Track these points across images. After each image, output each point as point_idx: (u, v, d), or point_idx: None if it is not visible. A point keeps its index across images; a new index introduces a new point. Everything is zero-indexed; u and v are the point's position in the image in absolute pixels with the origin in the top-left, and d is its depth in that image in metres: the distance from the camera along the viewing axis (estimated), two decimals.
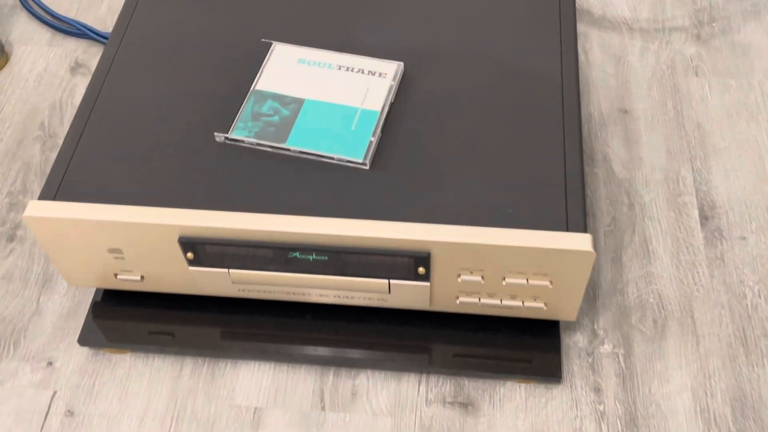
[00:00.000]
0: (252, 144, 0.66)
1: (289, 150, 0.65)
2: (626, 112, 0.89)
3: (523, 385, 0.70)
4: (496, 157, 0.65)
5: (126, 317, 0.73)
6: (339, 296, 0.68)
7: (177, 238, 0.63)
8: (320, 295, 0.68)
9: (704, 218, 0.80)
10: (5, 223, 0.82)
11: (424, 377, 0.71)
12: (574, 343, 0.72)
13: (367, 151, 0.65)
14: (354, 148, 0.65)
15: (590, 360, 0.71)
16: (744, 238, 0.79)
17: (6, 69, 0.96)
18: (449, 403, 0.69)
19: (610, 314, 0.74)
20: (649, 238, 0.79)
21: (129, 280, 0.69)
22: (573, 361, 0.71)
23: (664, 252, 0.78)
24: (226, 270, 0.66)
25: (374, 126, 0.66)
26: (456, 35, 0.73)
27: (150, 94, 0.70)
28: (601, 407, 0.69)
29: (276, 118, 0.67)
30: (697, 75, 0.92)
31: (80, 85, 0.94)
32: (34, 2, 1.02)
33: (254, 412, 0.70)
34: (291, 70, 0.70)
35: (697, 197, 0.82)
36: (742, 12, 0.99)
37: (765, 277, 0.76)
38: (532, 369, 0.69)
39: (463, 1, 0.76)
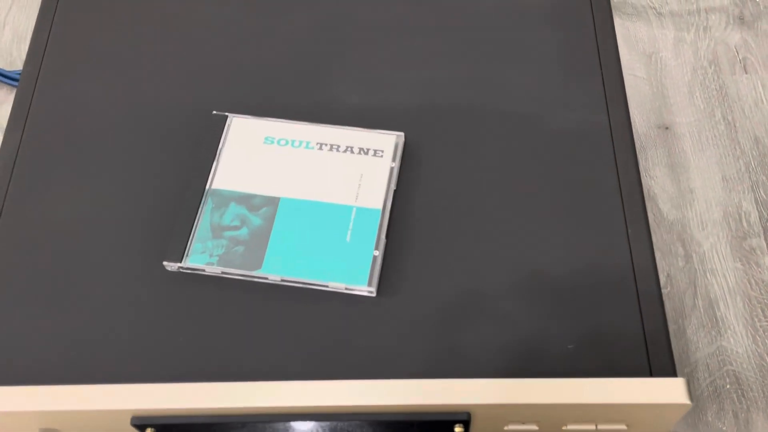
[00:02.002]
0: (215, 273, 0.49)
1: (266, 278, 0.49)
2: (667, 128, 0.72)
3: None
4: (542, 269, 0.49)
5: None
6: None
7: (129, 420, 0.47)
8: None
9: None
10: None
11: None
12: None
13: (372, 272, 0.48)
14: (353, 270, 0.48)
15: None
16: None
17: None
18: None
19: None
20: (715, 300, 0.64)
21: None
22: None
23: (735, 319, 0.63)
24: None
25: (376, 232, 0.50)
26: (465, 87, 0.56)
27: (67, 205, 0.52)
28: None
29: (244, 230, 0.50)
30: (746, 71, 0.76)
31: None
32: None
33: None
34: (256, 155, 0.53)
35: (766, 238, 0.67)
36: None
37: None
38: None
39: (469, 38, 0.58)
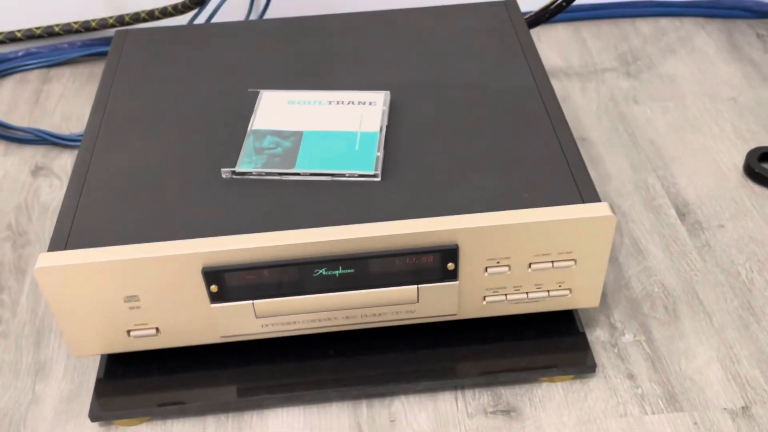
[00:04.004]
0: (260, 175, 0.66)
1: (298, 174, 0.66)
2: (584, 139, 0.94)
3: (559, 384, 0.69)
4: (496, 154, 0.67)
5: (138, 384, 0.69)
6: (366, 316, 0.66)
7: (200, 269, 0.61)
8: (346, 318, 0.66)
9: (681, 215, 0.84)
10: None
11: (459, 393, 0.69)
12: (596, 338, 0.73)
13: (377, 164, 0.66)
14: (363, 162, 0.66)
15: (616, 350, 0.72)
16: (722, 226, 0.83)
17: None
18: (491, 412, 0.68)
19: (622, 308, 0.75)
20: (638, 238, 0.82)
21: (144, 335, 0.65)
22: (600, 355, 0.71)
23: (654, 247, 0.81)
24: (250, 302, 0.64)
25: (377, 143, 0.68)
26: (430, 69, 0.78)
27: (144, 146, 0.70)
28: (639, 391, 0.69)
29: (279, 149, 0.68)
30: (637, 103, 1.00)
31: (44, 186, 0.92)
32: None
33: None
34: (283, 111, 0.72)
35: (669, 199, 0.86)
36: (660, 51, 1.09)
37: (752, 255, 0.80)
38: (566, 364, 0.69)
39: (428, 41, 0.81)
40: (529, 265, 0.64)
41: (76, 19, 1.12)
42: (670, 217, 0.84)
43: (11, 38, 1.11)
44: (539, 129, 0.70)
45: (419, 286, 0.64)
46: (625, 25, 1.14)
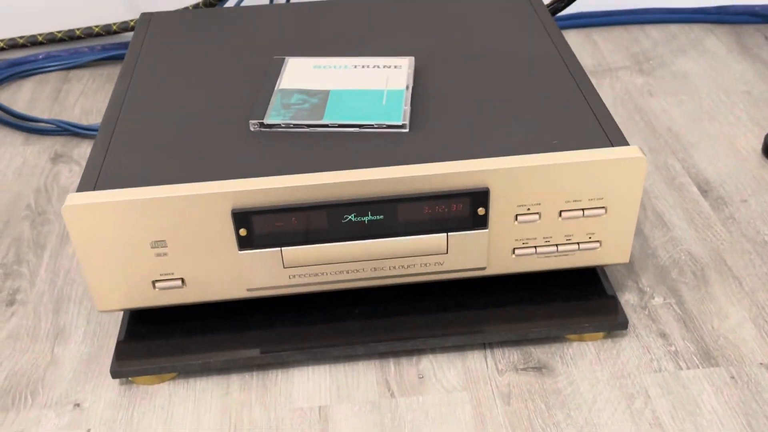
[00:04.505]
0: (288, 127, 0.66)
1: (326, 126, 0.66)
2: None
3: (590, 343, 0.68)
4: (523, 108, 0.68)
5: (160, 344, 0.67)
6: (394, 268, 0.65)
7: (229, 210, 0.61)
8: (374, 270, 0.65)
9: (703, 191, 0.84)
10: (2, 291, 0.76)
11: (488, 352, 0.68)
12: (625, 301, 0.72)
13: (404, 116, 0.66)
14: (390, 115, 0.66)
15: (646, 312, 0.71)
16: (745, 201, 0.83)
17: None
18: (522, 369, 0.66)
19: (650, 274, 0.74)
20: (662, 212, 0.82)
21: (169, 287, 0.64)
22: (630, 317, 0.70)
23: (679, 220, 0.81)
24: (278, 249, 0.63)
25: (404, 98, 0.68)
26: (454, 41, 0.79)
27: (171, 104, 0.70)
28: (672, 348, 0.67)
29: (306, 105, 0.68)
30: (652, 96, 1.01)
31: (64, 171, 0.92)
32: (1, 108, 1.01)
33: (319, 411, 0.63)
34: (309, 74, 0.73)
35: (690, 178, 0.86)
36: (671, 51, 1.11)
37: None
38: (598, 320, 0.68)
39: (450, 18, 0.83)
40: (560, 214, 0.64)
41: (96, 23, 1.14)
42: (692, 194, 0.84)
43: (32, 42, 1.13)
44: (563, 86, 0.70)
45: (449, 234, 0.64)
46: (636, 31, 1.16)
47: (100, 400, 0.65)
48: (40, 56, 1.12)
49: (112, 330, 0.71)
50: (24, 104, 1.05)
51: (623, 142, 0.63)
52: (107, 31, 1.12)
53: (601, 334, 0.69)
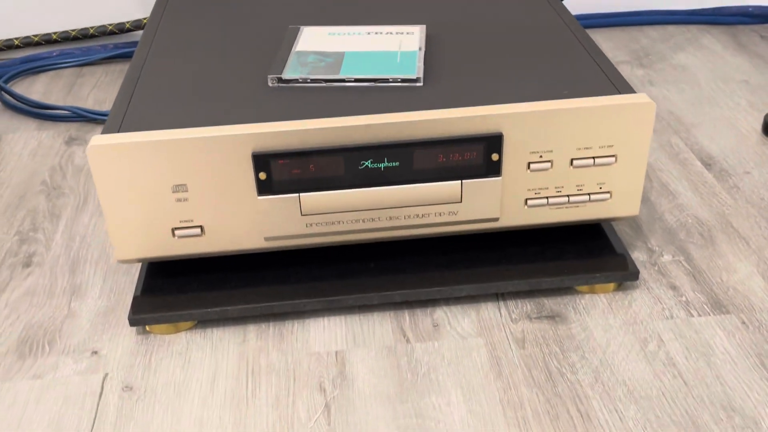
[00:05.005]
0: (305, 81, 0.68)
1: (343, 81, 0.68)
2: None
3: (602, 295, 0.69)
4: (532, 67, 0.70)
5: (177, 294, 0.68)
6: (409, 217, 0.66)
7: (250, 153, 0.62)
8: (390, 219, 0.66)
9: (707, 165, 0.86)
10: (18, 254, 0.76)
11: (501, 303, 0.68)
12: (635, 259, 0.73)
13: (418, 70, 0.68)
14: (405, 69, 0.68)
15: (656, 268, 0.72)
16: (748, 173, 0.85)
17: None
18: (535, 318, 0.67)
19: (658, 235, 0.76)
20: (667, 182, 0.83)
21: (188, 235, 0.65)
22: (641, 272, 0.71)
23: (684, 189, 0.82)
24: (296, 195, 0.64)
25: (417, 58, 0.71)
26: (462, 13, 0.81)
27: (191, 62, 0.72)
28: (683, 299, 0.68)
29: (323, 63, 0.70)
30: (653, 85, 1.03)
31: (78, 152, 0.93)
32: (15, 97, 1.03)
33: (336, 355, 0.64)
34: (324, 39, 0.75)
35: (693, 154, 0.88)
36: (669, 48, 1.14)
37: None
38: (610, 271, 0.69)
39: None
40: (571, 162, 0.66)
41: (109, 21, 1.17)
42: (696, 167, 0.86)
43: (47, 40, 1.16)
44: (570, 47, 0.73)
45: (463, 181, 0.65)
46: (634, 31, 1.20)
47: (117, 348, 0.65)
48: (54, 53, 1.15)
49: (128, 288, 0.72)
50: (38, 96, 1.07)
51: (631, 91, 0.65)
52: (120, 29, 1.14)
53: (612, 285, 0.70)
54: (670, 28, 1.20)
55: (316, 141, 0.62)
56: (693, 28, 1.20)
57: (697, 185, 0.83)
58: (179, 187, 0.63)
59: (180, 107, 0.66)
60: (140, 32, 1.16)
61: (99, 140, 0.61)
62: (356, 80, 0.68)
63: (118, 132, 0.62)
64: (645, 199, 0.81)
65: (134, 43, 1.16)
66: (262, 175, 0.63)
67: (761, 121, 0.94)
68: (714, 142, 0.90)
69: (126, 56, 1.16)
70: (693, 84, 1.03)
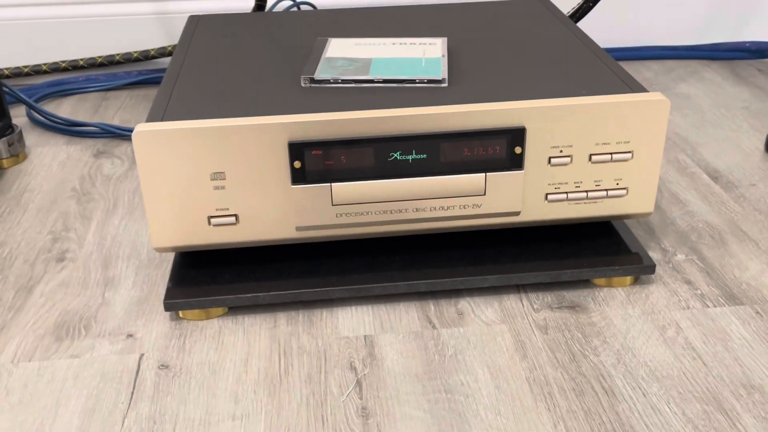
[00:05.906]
0: (337, 82, 0.72)
1: (372, 81, 0.72)
2: None
3: (619, 288, 0.71)
4: (551, 72, 0.74)
5: (210, 283, 0.70)
6: (435, 209, 0.69)
7: (286, 142, 0.65)
8: (416, 211, 0.69)
9: (714, 178, 0.90)
10: (51, 251, 0.79)
11: (522, 295, 0.71)
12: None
13: (444, 72, 0.72)
14: (431, 71, 0.72)
15: (670, 266, 0.74)
16: (754, 185, 0.88)
17: (25, 162, 0.97)
18: (556, 308, 0.69)
19: (671, 238, 0.79)
20: (677, 192, 0.87)
21: (223, 223, 0.68)
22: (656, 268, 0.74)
23: (693, 198, 0.85)
24: (328, 185, 0.67)
25: (441, 63, 0.75)
26: (478, 32, 0.86)
27: (224, 69, 0.76)
28: (698, 292, 0.71)
29: (352, 67, 0.74)
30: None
31: (107, 164, 0.96)
32: (44, 114, 1.06)
33: (365, 339, 0.66)
34: (352, 48, 0.79)
35: (700, 168, 0.92)
36: (671, 79, 1.19)
37: None
38: (627, 265, 0.71)
39: (473, 20, 0.90)
40: (590, 158, 0.69)
41: (134, 49, 1.21)
42: (703, 179, 0.89)
43: (74, 66, 1.20)
44: (583, 56, 0.77)
45: (487, 174, 0.68)
46: (636, 65, 1.25)
47: (152, 332, 0.67)
48: (80, 78, 1.19)
49: (160, 280, 0.74)
50: (65, 115, 1.10)
51: (643, 91, 0.69)
52: (145, 56, 1.19)
53: (628, 279, 0.72)
54: (671, 63, 1.26)
55: (348, 131, 0.66)
56: (693, 62, 1.25)
57: (705, 195, 0.86)
58: (217, 175, 0.66)
59: (218, 102, 0.69)
60: (165, 59, 1.21)
61: (144, 127, 0.64)
62: (384, 81, 0.72)
63: (162, 120, 0.66)
64: (656, 207, 0.84)
65: (159, 70, 1.21)
66: (297, 164, 0.66)
67: (764, 141, 0.98)
68: (719, 159, 0.94)
69: (150, 82, 1.20)
70: (696, 110, 1.08)
